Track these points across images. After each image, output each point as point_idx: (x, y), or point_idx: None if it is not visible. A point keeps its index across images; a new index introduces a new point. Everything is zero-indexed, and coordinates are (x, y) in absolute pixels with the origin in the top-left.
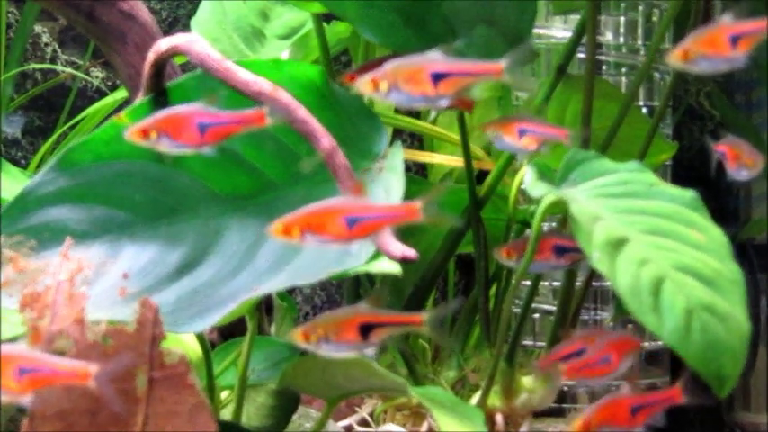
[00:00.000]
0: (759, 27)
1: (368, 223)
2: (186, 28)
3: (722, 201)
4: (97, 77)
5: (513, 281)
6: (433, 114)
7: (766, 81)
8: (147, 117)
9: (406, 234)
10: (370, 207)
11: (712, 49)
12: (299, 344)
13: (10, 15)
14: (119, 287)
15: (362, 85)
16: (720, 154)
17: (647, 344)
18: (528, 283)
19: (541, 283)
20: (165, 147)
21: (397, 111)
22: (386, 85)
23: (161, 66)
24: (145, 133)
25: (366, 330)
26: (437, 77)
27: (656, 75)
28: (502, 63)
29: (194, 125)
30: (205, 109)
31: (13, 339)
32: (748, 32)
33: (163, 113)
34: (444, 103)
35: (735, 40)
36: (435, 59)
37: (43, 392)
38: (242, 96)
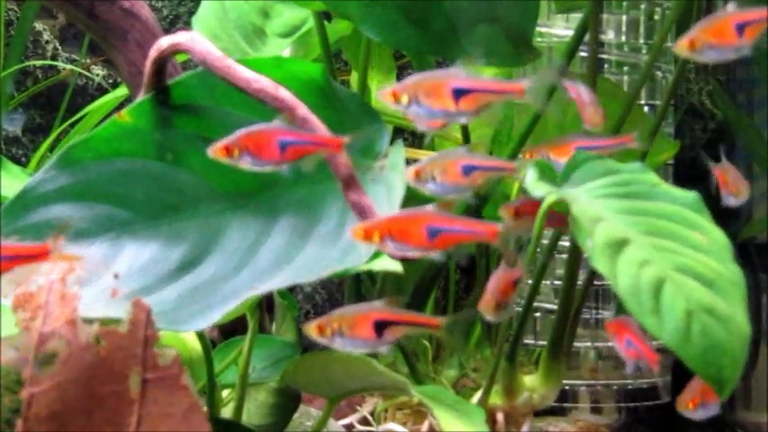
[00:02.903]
0: (764, 15)
1: (449, 235)
2: (187, 26)
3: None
4: (98, 75)
5: None
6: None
7: (767, 79)
8: (230, 136)
9: None
10: (453, 220)
11: (719, 38)
12: (313, 337)
13: (10, 13)
14: (113, 287)
15: (383, 96)
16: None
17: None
18: (529, 282)
19: (543, 282)
20: (247, 164)
21: None
22: (407, 98)
23: (162, 63)
24: (228, 150)
25: (380, 328)
26: (459, 93)
27: (658, 73)
28: (524, 83)
29: (276, 143)
30: (286, 128)
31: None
32: (754, 21)
33: (245, 131)
34: (464, 119)
35: (741, 29)
36: (458, 75)
37: (37, 394)
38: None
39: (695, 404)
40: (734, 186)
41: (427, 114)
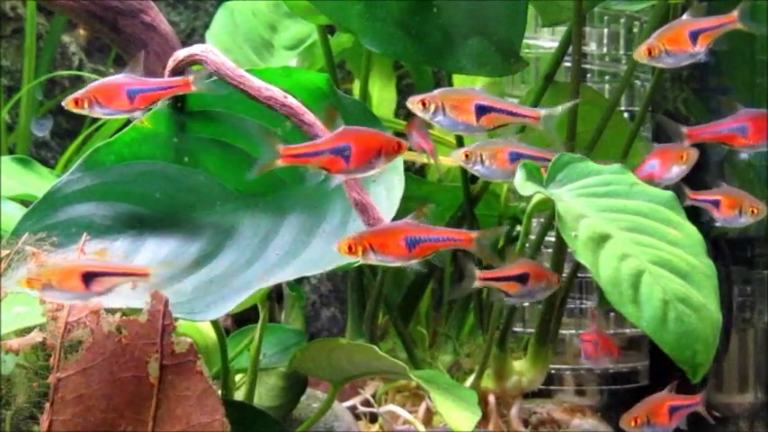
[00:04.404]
0: (716, 23)
1: (427, 245)
2: (203, 38)
3: None
4: None
5: None
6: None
7: (738, 88)
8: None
9: None
10: (429, 229)
11: (674, 45)
12: (26, 291)
13: (40, 27)
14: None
15: (413, 103)
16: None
17: (627, 330)
18: None
19: None
20: (99, 113)
21: (397, 115)
22: (434, 108)
23: (179, 73)
24: (78, 103)
25: (88, 279)
26: (481, 110)
27: (637, 82)
28: (541, 112)
29: (124, 92)
30: (132, 78)
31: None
32: (706, 28)
33: (94, 84)
34: (480, 134)
35: (694, 36)
36: (482, 94)
37: (64, 379)
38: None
39: (637, 423)
40: (751, 207)
41: (450, 125)
